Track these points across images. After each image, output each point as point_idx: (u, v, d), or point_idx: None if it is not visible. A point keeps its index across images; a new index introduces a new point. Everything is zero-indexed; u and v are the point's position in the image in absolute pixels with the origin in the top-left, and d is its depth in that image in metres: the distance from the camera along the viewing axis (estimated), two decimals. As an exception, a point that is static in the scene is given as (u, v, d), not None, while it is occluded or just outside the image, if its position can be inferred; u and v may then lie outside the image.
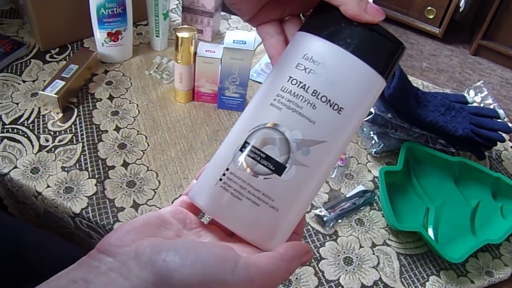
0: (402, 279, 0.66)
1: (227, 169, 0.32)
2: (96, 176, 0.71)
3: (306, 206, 0.34)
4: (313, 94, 0.31)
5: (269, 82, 0.34)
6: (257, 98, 0.34)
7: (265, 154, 0.31)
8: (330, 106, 0.32)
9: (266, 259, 0.29)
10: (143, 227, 0.30)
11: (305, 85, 0.32)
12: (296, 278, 0.63)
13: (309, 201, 0.34)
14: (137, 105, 0.85)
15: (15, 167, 0.70)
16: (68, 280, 0.27)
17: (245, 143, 0.32)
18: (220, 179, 0.32)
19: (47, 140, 0.75)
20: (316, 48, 0.32)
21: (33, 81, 0.86)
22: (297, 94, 0.32)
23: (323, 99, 0.31)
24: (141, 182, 0.71)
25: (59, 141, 0.76)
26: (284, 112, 0.32)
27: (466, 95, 0.94)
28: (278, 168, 0.31)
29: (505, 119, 0.87)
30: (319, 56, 0.32)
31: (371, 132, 0.83)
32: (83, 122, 0.79)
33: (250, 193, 0.31)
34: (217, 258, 0.27)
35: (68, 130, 0.78)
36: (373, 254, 0.68)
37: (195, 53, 0.80)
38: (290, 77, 0.32)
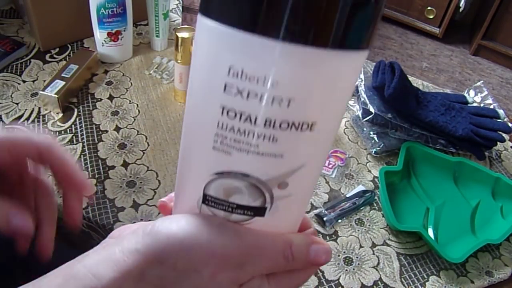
0: (402, 279, 0.66)
1: (199, 206, 0.27)
2: (96, 176, 0.71)
3: (302, 213, 0.30)
4: (265, 124, 0.23)
5: (196, 108, 0.25)
6: (190, 132, 0.26)
7: (235, 204, 0.26)
8: (296, 129, 0.23)
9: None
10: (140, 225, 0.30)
11: (249, 116, 0.23)
12: (296, 278, 0.63)
13: (300, 217, 0.30)
14: (137, 105, 0.85)
15: (15, 167, 0.70)
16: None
17: (206, 196, 0.26)
18: (199, 208, 0.27)
19: (47, 140, 0.75)
20: (243, 53, 0.21)
21: (33, 81, 0.86)
22: (244, 131, 0.23)
23: (283, 126, 0.23)
24: (141, 182, 0.71)
25: (59, 141, 0.76)
26: (236, 157, 0.24)
27: (466, 95, 0.94)
28: (258, 211, 0.26)
29: (505, 119, 0.87)
30: (254, 66, 0.22)
31: (371, 132, 0.83)
32: (83, 122, 0.79)
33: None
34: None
35: (68, 130, 0.78)
36: (373, 254, 0.68)
37: (195, 53, 0.80)
38: (223, 108, 0.23)
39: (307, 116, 0.23)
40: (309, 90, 0.22)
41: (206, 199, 0.26)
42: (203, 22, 0.22)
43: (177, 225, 0.27)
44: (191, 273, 0.26)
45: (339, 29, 0.21)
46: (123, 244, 0.27)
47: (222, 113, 0.23)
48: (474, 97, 0.94)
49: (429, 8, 2.44)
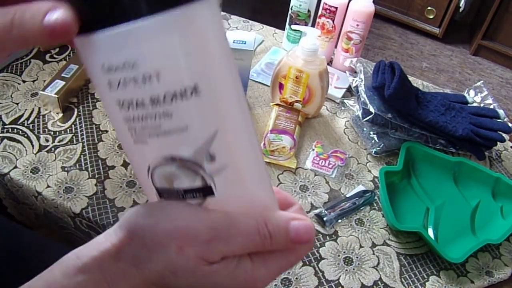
0: (402, 279, 0.66)
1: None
2: (96, 176, 0.71)
3: (263, 182, 0.29)
4: (153, 103, 0.24)
5: (108, 113, 0.27)
6: (118, 135, 0.28)
7: (181, 189, 0.27)
8: (182, 97, 0.24)
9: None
10: None
11: (137, 101, 0.24)
12: (296, 278, 0.63)
13: (261, 175, 0.29)
14: (137, 105, 0.85)
15: (15, 167, 0.70)
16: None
17: (158, 190, 0.28)
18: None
19: (47, 140, 0.75)
20: (103, 49, 0.23)
21: (33, 81, 0.86)
22: (142, 117, 0.24)
23: (167, 99, 0.24)
24: (141, 182, 0.71)
25: (59, 141, 0.76)
26: (151, 143, 0.25)
27: (466, 95, 0.94)
28: (205, 191, 0.27)
29: (505, 119, 0.87)
30: (114, 57, 0.23)
31: (371, 132, 0.83)
32: (83, 122, 0.79)
33: None
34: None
35: (68, 130, 0.78)
36: (373, 254, 0.68)
37: (195, 53, 0.80)
38: (118, 103, 0.25)
39: (183, 81, 0.24)
40: (167, 57, 0.23)
41: (159, 192, 0.28)
42: (76, 43, 0.25)
43: (147, 205, 0.28)
44: (159, 248, 0.26)
45: None
46: (107, 230, 0.29)
47: (120, 108, 0.25)
48: (474, 97, 0.94)
49: (429, 8, 2.44)
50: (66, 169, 0.71)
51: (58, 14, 0.22)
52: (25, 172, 0.70)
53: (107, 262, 0.27)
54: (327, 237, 0.69)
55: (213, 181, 0.26)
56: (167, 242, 0.26)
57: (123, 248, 0.27)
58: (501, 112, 0.87)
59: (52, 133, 0.77)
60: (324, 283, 0.64)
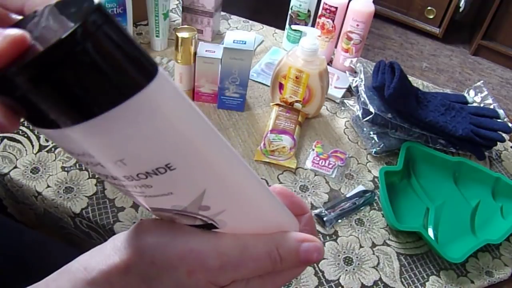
0: (402, 279, 0.66)
1: None
2: (96, 176, 0.71)
3: (270, 207, 0.29)
4: (128, 179, 0.24)
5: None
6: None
7: (186, 224, 0.28)
8: (157, 174, 0.23)
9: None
10: None
11: (112, 176, 0.24)
12: (296, 278, 0.63)
13: (267, 202, 0.29)
14: (137, 105, 0.85)
15: (15, 167, 0.70)
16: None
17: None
18: None
19: (47, 140, 0.75)
20: (64, 142, 0.23)
21: (33, 81, 0.86)
22: (123, 186, 0.25)
23: (141, 176, 0.23)
24: (141, 182, 0.71)
25: (59, 141, 0.75)
26: (146, 201, 0.26)
27: (466, 95, 0.94)
28: (208, 227, 0.27)
29: (505, 119, 0.87)
30: (75, 148, 0.23)
31: (371, 132, 0.83)
32: (83, 122, 0.79)
33: None
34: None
35: (68, 130, 0.78)
36: (373, 254, 0.68)
37: (195, 53, 0.80)
38: (99, 175, 0.25)
39: (152, 164, 0.22)
40: (129, 147, 0.22)
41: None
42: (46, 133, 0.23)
43: (157, 222, 0.28)
44: (169, 269, 0.27)
45: (84, 101, 0.20)
46: (114, 242, 0.28)
47: (104, 178, 0.25)
48: (474, 97, 0.94)
49: (429, 8, 2.44)
50: (66, 169, 0.71)
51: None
52: (25, 172, 0.70)
53: (116, 276, 0.27)
54: (327, 237, 0.69)
55: (214, 221, 0.27)
56: (178, 264, 0.26)
57: (132, 264, 0.27)
58: (501, 112, 0.87)
59: (52, 133, 0.77)
60: (324, 283, 0.64)
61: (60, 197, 0.68)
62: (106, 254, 0.28)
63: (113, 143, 0.21)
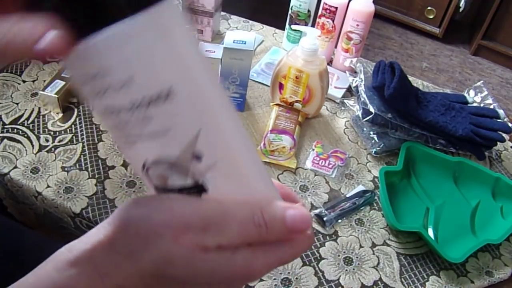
0: (402, 279, 0.66)
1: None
2: (96, 176, 0.71)
3: (258, 173, 0.29)
4: (133, 108, 0.25)
5: (99, 118, 0.29)
6: (112, 137, 0.30)
7: (175, 188, 0.27)
8: (159, 102, 0.24)
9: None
10: None
11: (118, 108, 0.25)
12: (296, 278, 0.63)
13: (256, 167, 0.29)
14: (137, 105, 0.85)
15: (15, 167, 0.70)
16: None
17: (154, 186, 0.28)
18: None
19: (47, 140, 0.75)
20: (76, 60, 0.25)
21: (33, 81, 0.86)
22: (125, 122, 0.25)
23: (143, 103, 0.24)
24: (141, 182, 0.71)
25: (59, 141, 0.76)
26: (140, 148, 0.26)
27: (466, 95, 0.94)
28: (199, 189, 0.27)
29: (505, 119, 0.87)
30: (88, 66, 0.24)
31: (371, 132, 0.83)
32: (83, 122, 0.79)
33: None
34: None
35: (68, 130, 0.78)
36: (373, 254, 0.68)
37: (195, 53, 0.80)
38: (104, 109, 0.26)
39: (156, 85, 0.24)
40: (137, 63, 0.24)
41: (157, 189, 0.28)
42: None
43: (140, 198, 0.28)
44: (154, 238, 0.26)
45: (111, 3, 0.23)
46: (102, 222, 0.28)
47: (106, 115, 0.26)
48: (474, 97, 0.94)
49: (429, 8, 2.44)
50: (66, 169, 0.71)
51: (48, 40, 0.23)
52: (25, 172, 0.70)
53: (100, 254, 0.27)
54: (327, 237, 0.69)
55: (204, 179, 0.27)
56: (162, 231, 0.26)
57: (116, 239, 0.27)
58: (501, 112, 0.87)
59: (52, 133, 0.77)
60: (324, 283, 0.64)
61: (60, 197, 0.68)
62: (92, 233, 0.28)
63: (128, 57, 0.23)
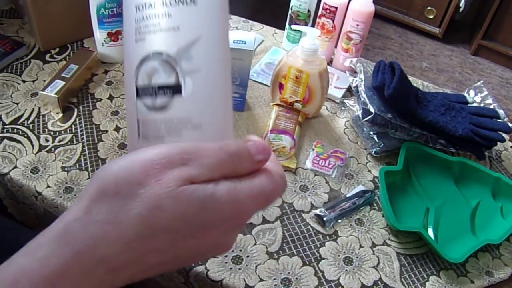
0: (402, 279, 0.66)
1: (138, 121, 0.32)
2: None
3: (225, 107, 0.33)
4: (163, 4, 0.31)
5: (125, 23, 0.34)
6: (125, 45, 0.34)
7: (156, 85, 0.31)
8: (183, 4, 0.31)
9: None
10: None
11: (150, 2, 0.31)
12: (296, 278, 0.63)
13: (225, 99, 0.33)
14: (137, 105, 0.85)
15: (15, 167, 0.71)
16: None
17: (137, 89, 0.32)
18: (138, 134, 0.32)
19: (47, 140, 0.75)
20: None
21: (33, 81, 0.86)
22: (149, 16, 0.31)
23: (172, 2, 0.31)
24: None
25: (59, 141, 0.76)
26: (148, 39, 0.31)
27: (466, 95, 0.94)
28: (175, 89, 0.31)
29: (505, 119, 0.87)
30: None
31: (371, 132, 0.83)
32: (83, 122, 0.80)
33: (167, 128, 0.30)
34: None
35: (68, 130, 0.78)
36: (373, 254, 0.68)
37: (195, 53, 0.80)
38: (136, 6, 0.32)
39: None
40: None
41: (137, 92, 0.32)
42: None
43: (114, 161, 0.28)
44: (137, 190, 0.26)
45: None
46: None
47: (136, 10, 0.32)
48: (474, 97, 0.94)
49: (429, 8, 2.44)
50: (66, 169, 0.71)
51: None
52: (25, 172, 0.70)
53: (74, 230, 0.25)
54: (327, 237, 0.69)
55: (184, 80, 0.31)
56: (144, 179, 0.26)
57: (93, 205, 0.26)
58: (501, 112, 0.87)
59: (52, 133, 0.77)
60: (324, 283, 0.64)
61: (60, 197, 0.68)
62: (66, 212, 0.27)
63: None
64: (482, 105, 0.92)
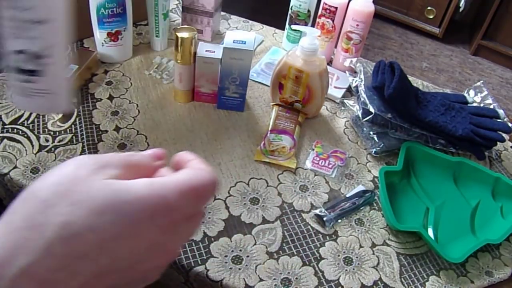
0: (402, 279, 0.66)
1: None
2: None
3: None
4: None
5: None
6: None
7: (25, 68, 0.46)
8: None
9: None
10: None
11: None
12: (296, 278, 0.63)
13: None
14: (137, 105, 0.85)
15: (15, 167, 0.71)
16: None
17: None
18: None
19: (47, 140, 0.75)
20: None
21: (33, 81, 0.86)
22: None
23: None
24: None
25: (59, 141, 0.76)
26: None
27: (466, 95, 0.94)
28: (34, 73, 0.44)
29: (505, 119, 0.87)
30: None
31: (371, 132, 0.83)
32: (83, 122, 0.79)
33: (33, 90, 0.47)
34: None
35: (68, 130, 0.78)
36: (373, 254, 0.68)
37: (195, 53, 0.80)
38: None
39: None
40: None
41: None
42: None
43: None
44: (55, 192, 0.27)
45: None
46: None
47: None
48: (474, 97, 0.94)
49: (429, 8, 2.44)
50: (66, 169, 0.71)
51: None
52: (25, 172, 0.70)
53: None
54: (327, 237, 0.69)
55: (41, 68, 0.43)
56: (64, 182, 0.27)
57: (16, 212, 0.25)
58: (501, 112, 0.87)
59: (52, 133, 0.77)
60: (324, 283, 0.64)
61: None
62: None
63: None
64: (482, 105, 0.92)
